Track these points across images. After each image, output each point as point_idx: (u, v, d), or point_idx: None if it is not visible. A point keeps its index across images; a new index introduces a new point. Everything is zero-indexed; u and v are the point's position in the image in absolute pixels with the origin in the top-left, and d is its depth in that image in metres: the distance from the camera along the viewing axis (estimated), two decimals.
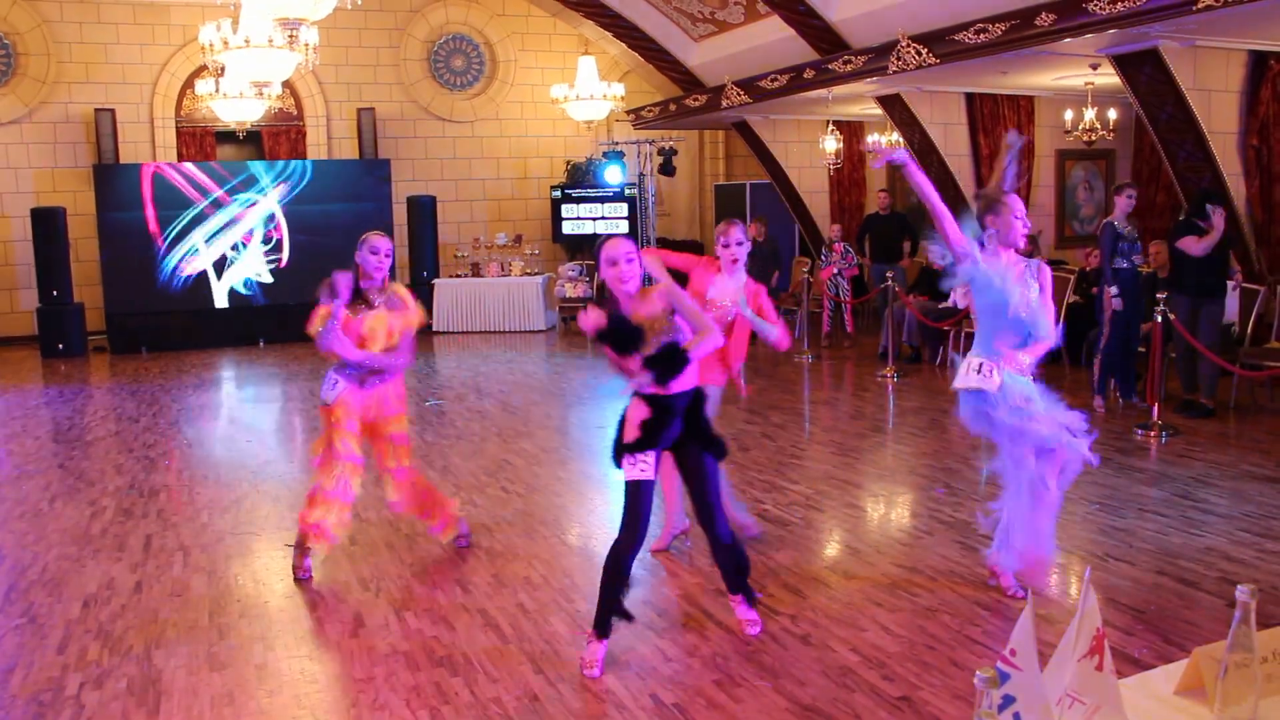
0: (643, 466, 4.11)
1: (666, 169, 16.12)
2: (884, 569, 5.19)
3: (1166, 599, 4.65)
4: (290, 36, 9.30)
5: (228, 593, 5.12)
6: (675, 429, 4.18)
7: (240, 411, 10.68)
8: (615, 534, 4.15)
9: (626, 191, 16.39)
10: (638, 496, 4.13)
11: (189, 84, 15.24)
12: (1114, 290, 8.38)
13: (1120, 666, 1.95)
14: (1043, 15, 8.82)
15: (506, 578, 5.08)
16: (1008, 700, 1.56)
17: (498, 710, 3.80)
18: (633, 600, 4.84)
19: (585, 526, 6.01)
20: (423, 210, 15.50)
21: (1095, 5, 8.28)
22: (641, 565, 5.31)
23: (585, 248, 17.02)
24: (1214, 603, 4.60)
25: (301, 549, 5.28)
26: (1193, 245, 8.21)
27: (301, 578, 5.24)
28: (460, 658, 4.25)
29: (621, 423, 4.23)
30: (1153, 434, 7.74)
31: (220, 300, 14.60)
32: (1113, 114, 12.18)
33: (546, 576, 5.20)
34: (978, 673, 1.43)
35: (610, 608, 4.14)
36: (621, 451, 4.16)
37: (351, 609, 4.83)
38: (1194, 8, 7.61)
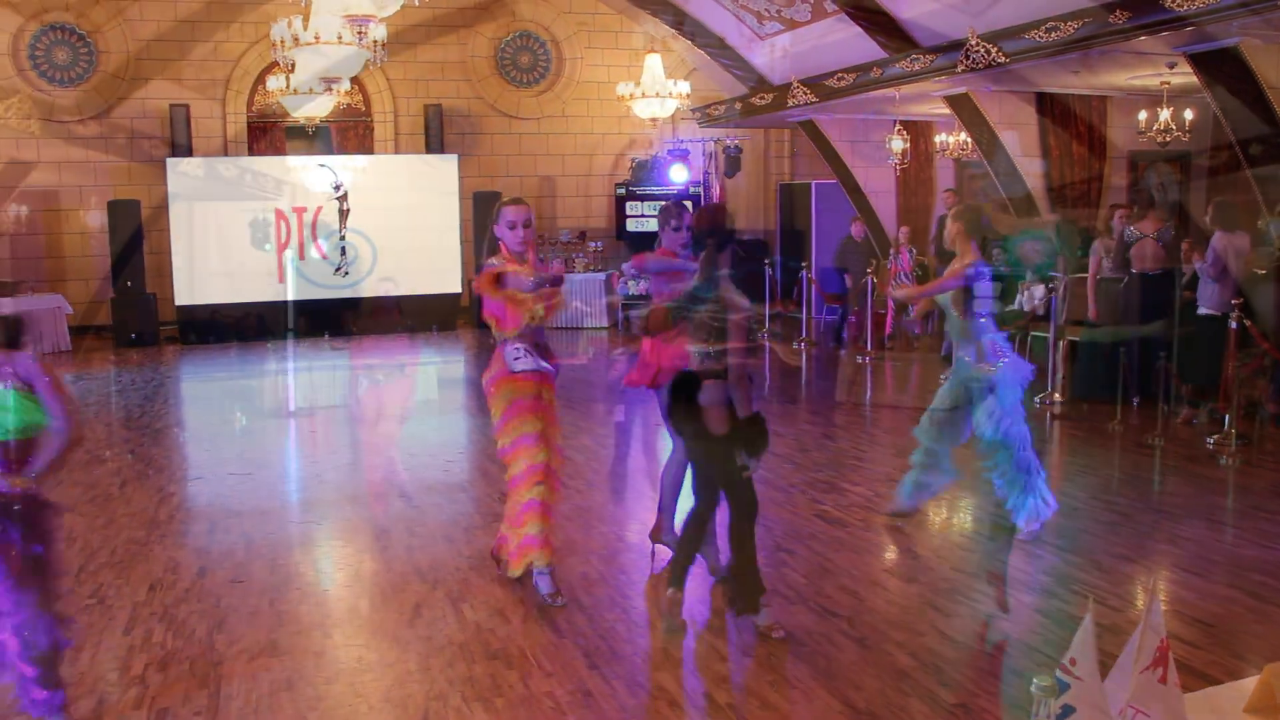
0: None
1: (732, 169, 16.03)
2: (943, 574, 5.11)
3: (1237, 613, 4.52)
4: (359, 33, 9.42)
5: (288, 580, 5.19)
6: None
7: (305, 401, 10.84)
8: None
9: (691, 190, 16.35)
10: None
11: (260, 80, 15.51)
12: None
13: (1186, 680, 1.89)
14: (1117, 13, 8.60)
15: (563, 573, 5.08)
16: (1066, 710, 1.52)
17: (551, 704, 3.81)
18: (689, 601, 4.85)
19: (643, 524, 5.98)
20: (488, 206, 15.57)
21: (1172, 2, 8.06)
22: (697, 565, 5.29)
23: (649, 246, 16.98)
24: None
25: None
26: None
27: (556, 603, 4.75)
28: (515, 651, 4.27)
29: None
30: (1224, 443, 7.54)
31: (288, 293, 14.81)
32: (1188, 114, 11.87)
33: (603, 573, 5.21)
34: (1034, 681, 1.39)
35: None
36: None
37: (409, 599, 4.87)
38: (1277, 3, 7.37)
